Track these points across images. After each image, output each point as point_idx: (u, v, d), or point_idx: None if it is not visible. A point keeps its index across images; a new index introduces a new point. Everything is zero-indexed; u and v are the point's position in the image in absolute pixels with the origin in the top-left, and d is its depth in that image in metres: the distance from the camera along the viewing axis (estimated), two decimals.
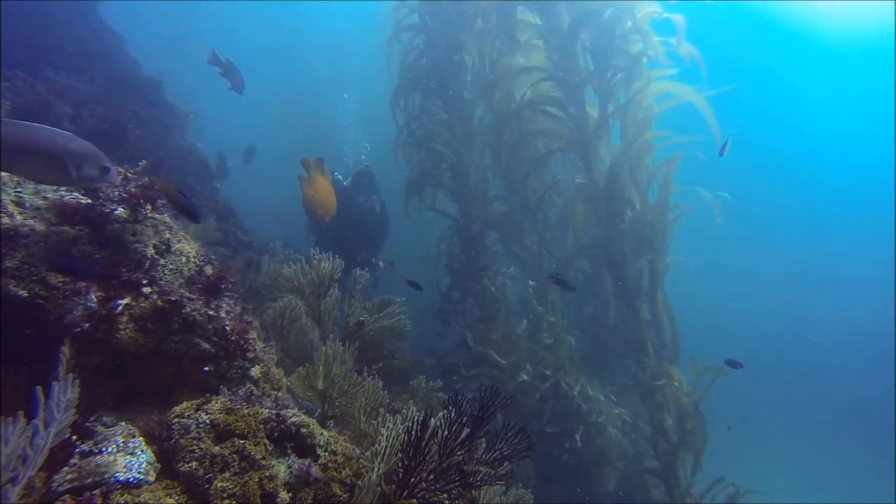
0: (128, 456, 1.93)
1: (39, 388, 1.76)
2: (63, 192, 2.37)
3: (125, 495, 1.80)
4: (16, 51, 5.19)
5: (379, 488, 2.21)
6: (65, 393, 1.83)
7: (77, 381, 1.88)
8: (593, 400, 6.03)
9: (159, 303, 2.40)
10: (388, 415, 2.60)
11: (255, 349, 2.65)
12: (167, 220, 2.63)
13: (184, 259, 2.59)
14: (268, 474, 2.00)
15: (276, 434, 2.19)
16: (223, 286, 2.62)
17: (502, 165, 6.72)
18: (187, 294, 2.47)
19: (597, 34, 6.12)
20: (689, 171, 6.27)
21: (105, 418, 2.14)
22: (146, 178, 2.59)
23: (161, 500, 1.84)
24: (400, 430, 2.30)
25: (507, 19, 6.43)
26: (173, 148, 6.17)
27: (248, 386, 2.51)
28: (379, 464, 2.20)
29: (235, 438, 2.05)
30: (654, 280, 6.08)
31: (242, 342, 2.57)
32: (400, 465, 2.23)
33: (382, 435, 2.31)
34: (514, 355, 6.05)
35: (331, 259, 3.70)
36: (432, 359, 6.20)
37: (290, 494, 2.06)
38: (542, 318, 6.41)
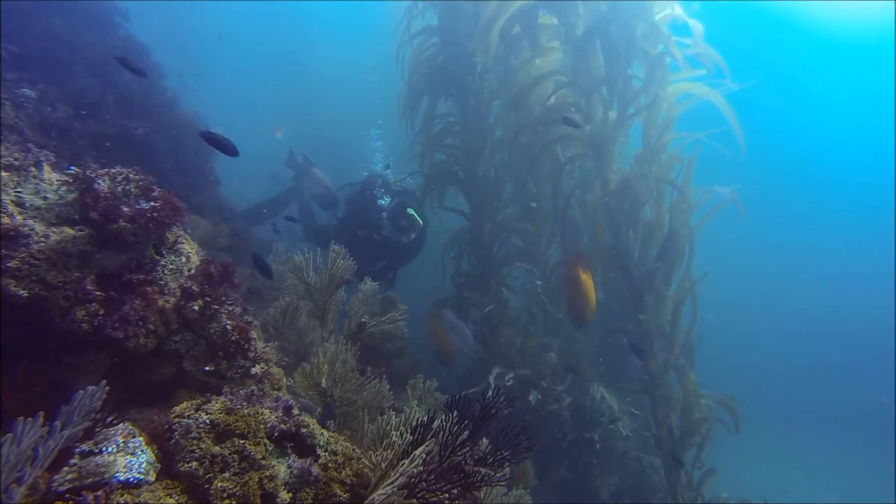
0: (128, 456, 1.93)
1: (80, 394, 1.83)
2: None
3: (125, 495, 1.80)
4: (34, 52, 5.21)
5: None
6: (91, 400, 1.85)
7: (107, 388, 1.92)
8: (604, 401, 6.07)
9: (160, 303, 2.40)
10: (393, 415, 2.60)
11: (256, 349, 2.65)
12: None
13: (184, 259, 2.58)
14: (268, 474, 2.00)
15: (276, 434, 2.18)
16: (224, 286, 2.62)
17: (517, 169, 6.68)
18: (187, 294, 2.47)
19: (617, 32, 6.00)
20: (697, 171, 6.23)
21: (108, 418, 2.15)
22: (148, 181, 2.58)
23: (161, 500, 1.84)
24: (409, 440, 2.28)
25: (530, 24, 6.30)
26: (179, 149, 6.18)
27: (248, 386, 2.51)
28: (398, 472, 2.17)
29: (235, 438, 2.05)
30: (666, 280, 6.05)
31: (243, 342, 2.57)
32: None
33: (417, 451, 2.26)
34: (524, 359, 6.07)
35: (345, 258, 3.64)
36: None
37: (291, 494, 2.05)
38: (551, 317, 6.41)
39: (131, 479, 1.86)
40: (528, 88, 6.43)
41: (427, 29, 7.05)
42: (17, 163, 2.32)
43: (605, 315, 6.90)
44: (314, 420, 2.40)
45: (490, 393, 2.40)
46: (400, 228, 6.45)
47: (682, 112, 6.20)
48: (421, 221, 6.50)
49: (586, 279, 4.20)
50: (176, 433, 2.03)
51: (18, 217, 2.18)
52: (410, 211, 6.37)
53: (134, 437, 2.01)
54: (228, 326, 2.54)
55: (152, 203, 2.38)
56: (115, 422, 2.11)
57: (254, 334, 2.69)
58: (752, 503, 6.83)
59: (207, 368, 2.49)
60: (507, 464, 2.42)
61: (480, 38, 6.26)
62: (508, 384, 5.62)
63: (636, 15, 5.95)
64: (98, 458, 1.88)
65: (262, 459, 2.03)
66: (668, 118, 6.12)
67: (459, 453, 2.28)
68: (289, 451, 2.19)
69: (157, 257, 2.49)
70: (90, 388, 1.86)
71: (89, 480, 1.82)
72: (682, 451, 5.74)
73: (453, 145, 6.98)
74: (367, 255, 6.25)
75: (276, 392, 2.61)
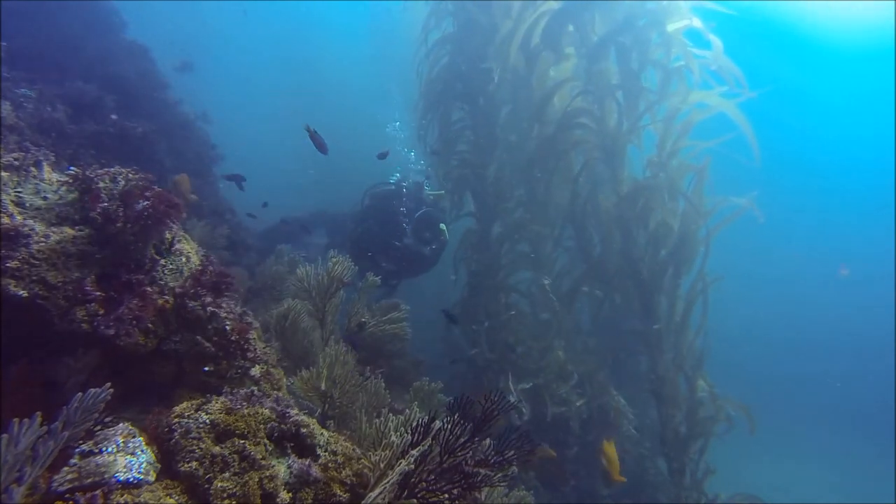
0: (128, 456, 1.93)
1: (79, 395, 1.84)
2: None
3: (125, 495, 1.80)
4: (37, 55, 5.21)
5: None
6: (94, 401, 1.86)
7: (112, 390, 1.92)
8: (615, 400, 6.09)
9: (159, 303, 2.39)
10: (391, 415, 2.59)
11: (256, 349, 2.64)
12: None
13: (184, 259, 2.58)
14: (268, 474, 1.99)
15: (276, 434, 2.18)
16: (223, 286, 2.61)
17: (536, 177, 6.70)
18: (187, 294, 2.47)
19: (632, 42, 6.01)
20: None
21: (105, 418, 2.14)
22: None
23: (161, 500, 1.84)
24: (408, 440, 2.27)
25: (552, 34, 6.26)
26: (179, 149, 6.18)
27: (248, 386, 2.50)
28: (395, 471, 2.16)
29: (235, 438, 2.04)
30: (676, 281, 6.05)
31: (242, 342, 2.56)
32: None
33: (414, 451, 2.23)
34: (531, 361, 6.09)
35: (344, 262, 3.66)
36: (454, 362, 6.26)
37: (290, 494, 2.05)
38: (558, 317, 6.43)
39: (131, 479, 1.86)
40: (546, 98, 6.46)
41: (443, 38, 7.11)
42: (17, 163, 2.32)
43: (613, 316, 6.91)
44: (314, 420, 2.39)
45: (512, 398, 2.41)
46: (423, 239, 6.42)
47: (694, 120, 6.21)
48: (447, 238, 6.48)
49: (613, 454, 5.09)
50: (176, 433, 2.02)
51: (18, 217, 2.18)
52: (443, 226, 6.35)
53: (134, 437, 2.01)
54: (228, 326, 2.53)
55: (151, 203, 2.38)
56: (114, 422, 2.10)
57: (253, 334, 2.69)
58: (759, 501, 6.80)
59: (207, 368, 2.48)
60: (510, 466, 2.42)
61: (499, 48, 6.27)
62: (527, 387, 5.66)
63: (651, 25, 5.97)
64: (98, 458, 1.87)
65: (262, 459, 2.02)
66: (683, 127, 6.14)
67: (460, 454, 2.27)
68: (289, 451, 2.19)
69: (157, 257, 2.49)
70: (93, 389, 1.85)
71: (89, 480, 1.81)
72: (687, 451, 5.74)
73: (466, 150, 7.03)
74: (377, 253, 6.23)
75: (275, 392, 2.61)
